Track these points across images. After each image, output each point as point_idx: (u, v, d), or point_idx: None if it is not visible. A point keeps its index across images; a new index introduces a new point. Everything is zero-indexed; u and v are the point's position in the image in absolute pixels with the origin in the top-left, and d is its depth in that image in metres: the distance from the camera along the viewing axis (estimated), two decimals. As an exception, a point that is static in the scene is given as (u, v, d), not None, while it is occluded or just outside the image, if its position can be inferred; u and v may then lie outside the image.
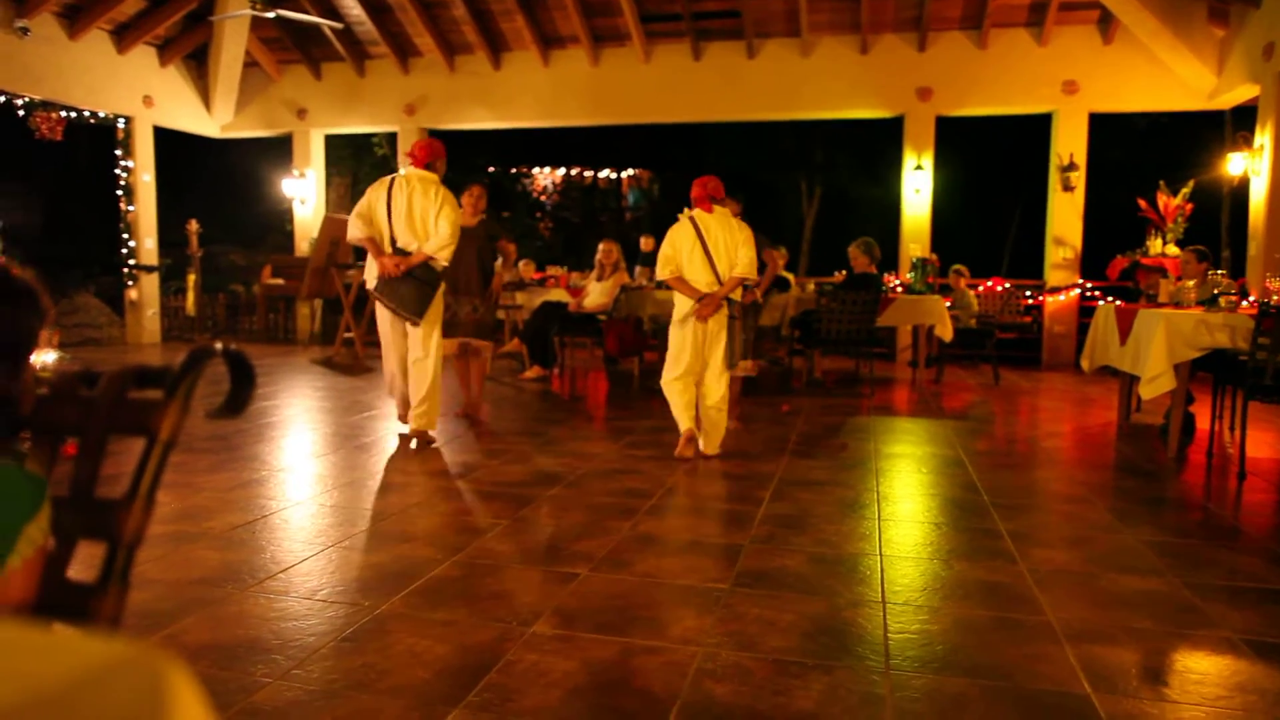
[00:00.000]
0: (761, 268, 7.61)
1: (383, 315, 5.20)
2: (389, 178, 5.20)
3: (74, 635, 1.02)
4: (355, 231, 5.10)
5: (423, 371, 5.13)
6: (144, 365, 1.25)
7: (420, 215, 5.03)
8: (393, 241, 5.07)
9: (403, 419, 5.39)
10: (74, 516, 1.19)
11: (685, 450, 4.90)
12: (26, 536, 1.07)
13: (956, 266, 9.38)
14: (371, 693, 2.18)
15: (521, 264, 10.08)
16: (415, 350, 5.14)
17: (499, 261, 6.07)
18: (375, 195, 5.13)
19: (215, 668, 2.29)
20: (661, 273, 4.98)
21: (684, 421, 4.97)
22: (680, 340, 4.94)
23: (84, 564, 1.20)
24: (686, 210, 5.02)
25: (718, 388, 4.94)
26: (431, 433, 5.25)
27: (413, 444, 5.20)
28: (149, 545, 3.18)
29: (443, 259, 5.04)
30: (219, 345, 1.23)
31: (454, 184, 5.45)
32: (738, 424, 5.93)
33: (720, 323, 4.91)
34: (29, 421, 1.22)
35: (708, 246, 4.86)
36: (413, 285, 4.98)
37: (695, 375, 4.99)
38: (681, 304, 4.94)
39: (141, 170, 11.56)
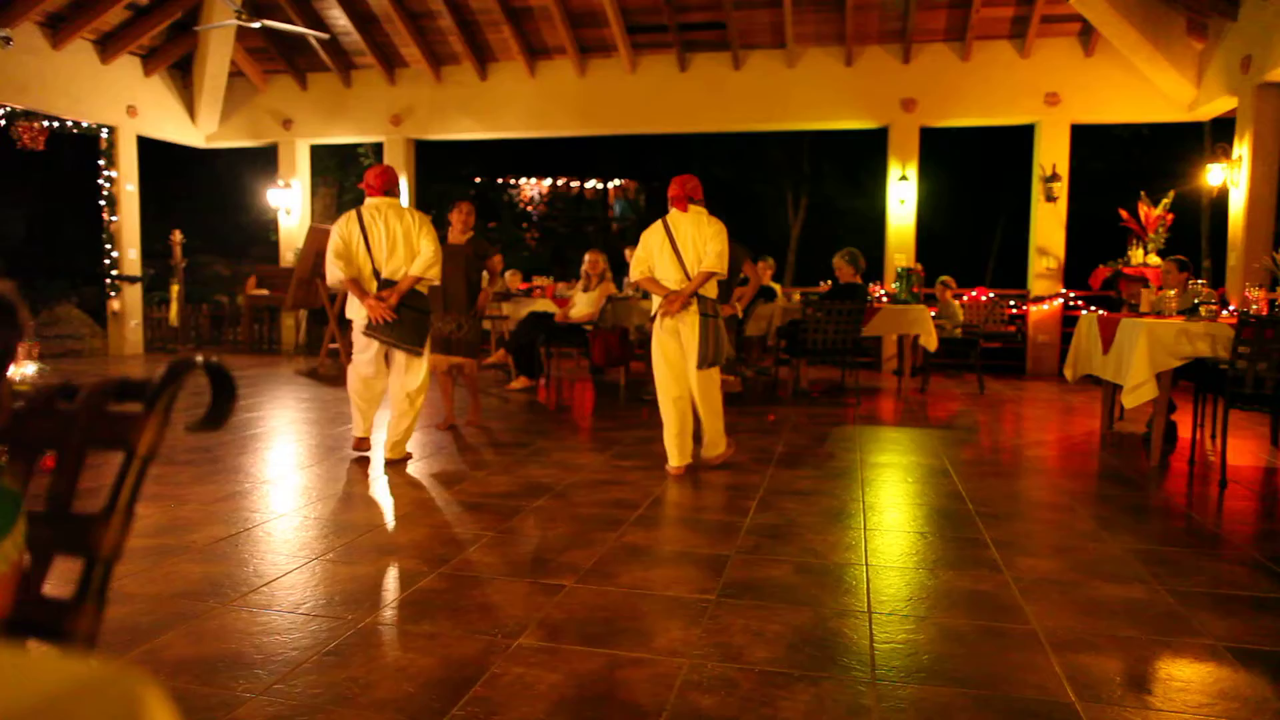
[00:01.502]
0: (744, 281, 7.63)
1: (366, 347, 5.01)
2: (352, 213, 5.02)
3: (48, 654, 1.01)
4: (336, 274, 4.92)
5: (414, 404, 5.06)
6: (124, 378, 1.24)
7: (404, 238, 4.95)
8: (377, 274, 4.95)
9: (358, 448, 5.21)
10: (50, 531, 1.17)
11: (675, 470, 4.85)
12: (0, 553, 1.05)
13: (943, 278, 9.44)
14: (355, 707, 2.16)
15: (508, 274, 10.07)
16: (411, 381, 5.04)
17: (485, 278, 6.04)
18: (348, 231, 4.95)
19: (196, 683, 2.26)
20: (634, 273, 4.98)
21: (674, 456, 4.84)
22: (658, 343, 4.92)
23: (60, 580, 1.18)
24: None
25: (699, 386, 4.87)
26: (408, 448, 5.19)
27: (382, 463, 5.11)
28: (130, 559, 3.15)
29: (432, 277, 4.96)
30: (199, 357, 1.22)
31: (441, 195, 5.42)
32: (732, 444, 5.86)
33: (692, 324, 4.85)
34: (5, 435, 1.21)
35: (676, 244, 4.85)
36: (409, 316, 4.93)
37: (687, 391, 4.92)
38: (655, 304, 4.96)
39: (125, 180, 11.50)
